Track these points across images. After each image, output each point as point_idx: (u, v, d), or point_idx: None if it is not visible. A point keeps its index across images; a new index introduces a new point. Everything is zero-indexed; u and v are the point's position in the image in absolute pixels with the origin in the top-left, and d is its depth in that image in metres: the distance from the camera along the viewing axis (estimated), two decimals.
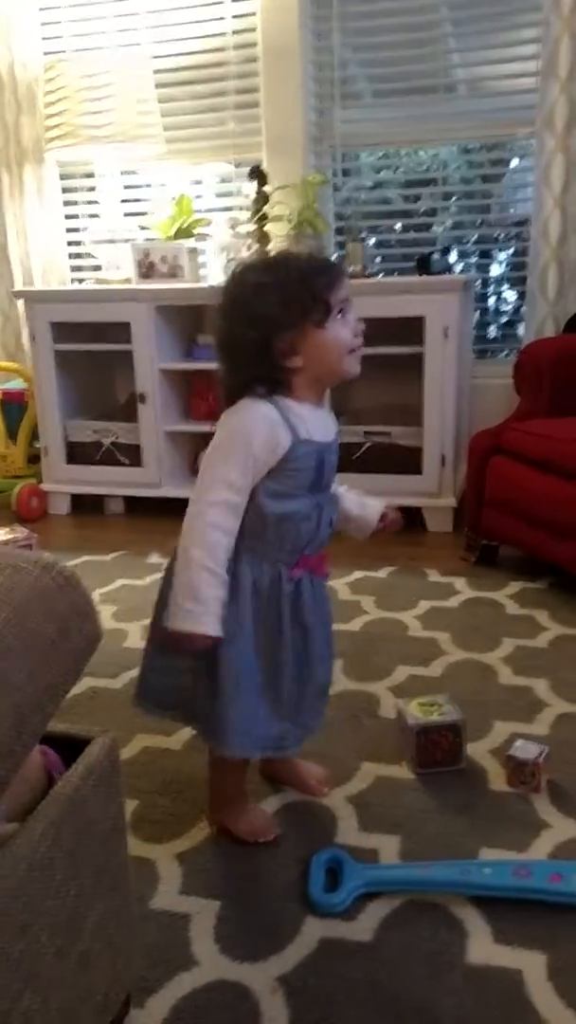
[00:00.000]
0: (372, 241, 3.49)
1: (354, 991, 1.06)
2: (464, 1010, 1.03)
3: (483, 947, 1.12)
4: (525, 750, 1.45)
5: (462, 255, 3.45)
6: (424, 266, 2.81)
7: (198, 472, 1.22)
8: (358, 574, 2.44)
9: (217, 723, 1.25)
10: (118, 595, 2.35)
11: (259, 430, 1.18)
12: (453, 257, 3.15)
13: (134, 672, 1.86)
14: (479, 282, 3.31)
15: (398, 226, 3.44)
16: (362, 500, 1.43)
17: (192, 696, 1.28)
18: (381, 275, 3.10)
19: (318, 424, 1.24)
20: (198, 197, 3.33)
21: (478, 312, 3.29)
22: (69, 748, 0.96)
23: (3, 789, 0.76)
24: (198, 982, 1.08)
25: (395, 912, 1.19)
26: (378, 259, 3.37)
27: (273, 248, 3.00)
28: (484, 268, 3.48)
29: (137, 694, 1.35)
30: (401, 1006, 1.04)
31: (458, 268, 3.19)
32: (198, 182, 3.38)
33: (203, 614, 1.17)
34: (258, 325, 1.17)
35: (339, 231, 3.32)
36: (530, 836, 1.33)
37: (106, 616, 2.21)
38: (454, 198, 3.32)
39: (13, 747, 0.73)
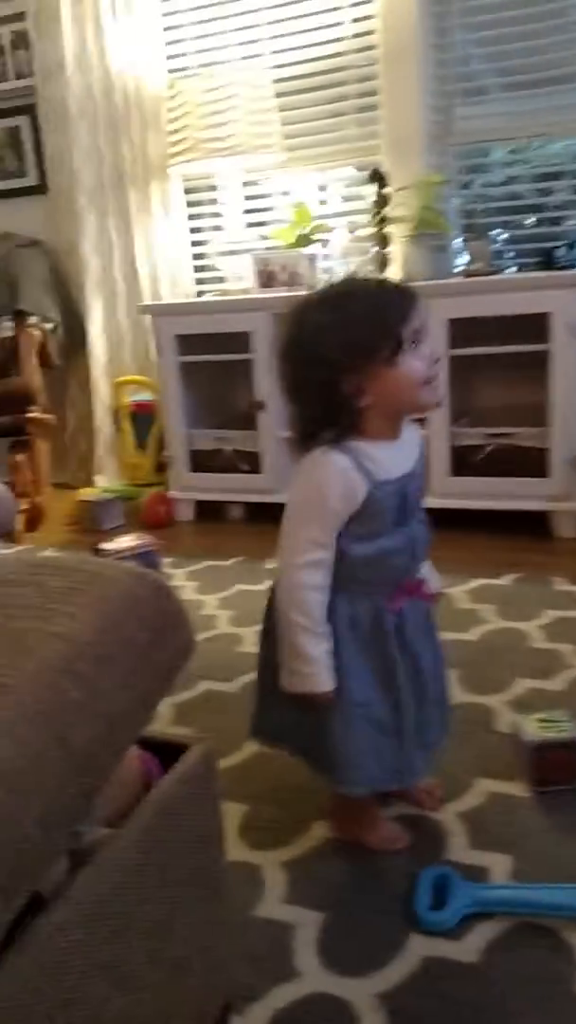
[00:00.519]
0: (504, 236, 3.40)
1: (457, 1014, 1.03)
2: None
3: None
4: None
5: None
6: (549, 261, 2.71)
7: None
8: (478, 582, 2.37)
9: (330, 761, 1.25)
10: (235, 600, 2.39)
11: (334, 486, 1.14)
12: None
13: (248, 676, 1.90)
14: None
15: (530, 221, 3.33)
16: (428, 570, 1.35)
17: (302, 732, 1.27)
18: (510, 270, 3.01)
19: (395, 460, 1.19)
20: (322, 203, 3.35)
21: None
22: (170, 754, 0.98)
23: (93, 797, 0.78)
24: (299, 993, 1.08)
25: (503, 934, 1.14)
26: (511, 254, 3.28)
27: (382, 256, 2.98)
28: None
29: (253, 726, 1.36)
30: None
31: None
32: (323, 188, 3.39)
33: (316, 674, 1.18)
34: (322, 369, 1.12)
35: (468, 228, 3.24)
36: None
37: (223, 621, 2.25)
38: None
39: (102, 756, 0.75)
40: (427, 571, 1.34)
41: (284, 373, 1.19)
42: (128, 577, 0.85)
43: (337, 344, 1.11)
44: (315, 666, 1.17)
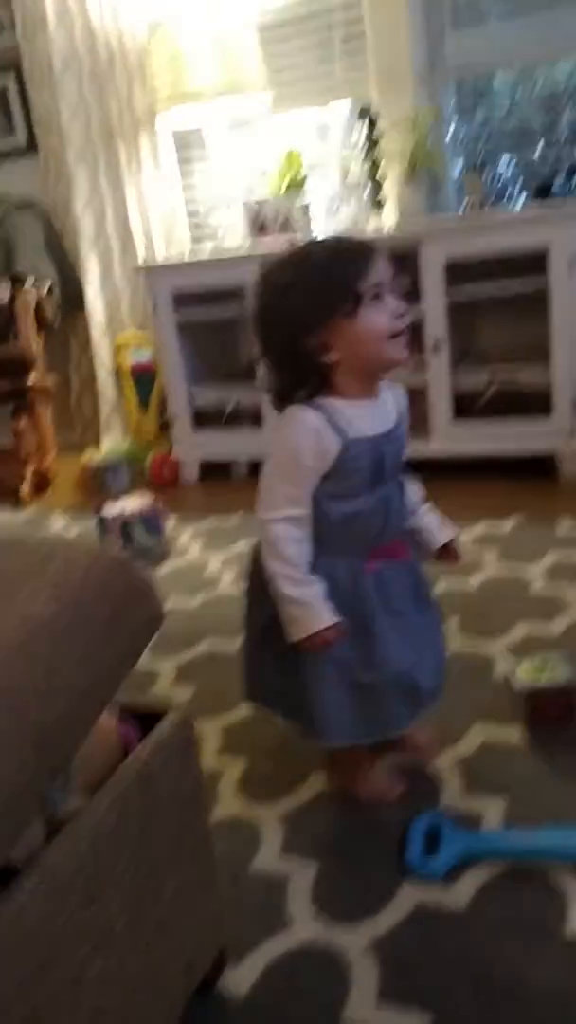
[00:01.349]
0: (510, 166, 3.29)
1: (445, 960, 1.05)
2: (557, 984, 1.00)
3: None
4: None
5: None
6: (544, 192, 2.63)
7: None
8: (480, 527, 2.36)
9: (309, 718, 1.27)
10: (239, 559, 2.39)
11: (306, 442, 1.16)
12: None
13: None
14: None
15: (537, 149, 3.22)
16: (433, 523, 1.35)
17: (289, 694, 1.29)
18: (517, 202, 2.91)
19: (371, 418, 1.20)
20: (325, 143, 3.26)
21: None
22: (151, 721, 0.99)
23: (62, 768, 0.80)
24: (292, 943, 1.11)
25: (494, 880, 1.16)
26: (518, 185, 3.18)
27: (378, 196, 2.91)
28: None
29: (245, 690, 1.39)
30: (492, 978, 1.02)
31: None
32: (326, 128, 3.29)
33: (313, 614, 1.19)
34: (286, 327, 1.15)
35: (468, 163, 3.14)
36: None
37: (226, 581, 2.27)
38: None
39: (64, 733, 0.76)
40: (432, 523, 1.34)
41: (257, 336, 1.21)
42: (86, 555, 0.86)
43: (298, 301, 1.13)
44: (308, 607, 1.18)
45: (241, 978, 1.07)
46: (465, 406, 2.77)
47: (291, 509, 1.18)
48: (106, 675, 0.83)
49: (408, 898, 1.15)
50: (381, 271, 1.14)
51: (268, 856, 1.26)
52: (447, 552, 1.35)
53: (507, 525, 2.37)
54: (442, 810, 1.30)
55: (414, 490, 1.33)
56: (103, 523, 2.47)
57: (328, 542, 1.21)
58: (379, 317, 1.15)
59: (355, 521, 1.21)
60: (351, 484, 1.19)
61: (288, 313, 1.14)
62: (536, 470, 2.71)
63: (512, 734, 1.46)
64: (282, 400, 1.22)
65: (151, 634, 0.91)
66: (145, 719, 0.99)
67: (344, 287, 1.12)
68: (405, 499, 1.28)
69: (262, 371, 1.25)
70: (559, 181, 2.66)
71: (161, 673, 1.83)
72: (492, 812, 1.29)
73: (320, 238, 1.24)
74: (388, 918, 1.13)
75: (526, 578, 2.04)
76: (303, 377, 1.19)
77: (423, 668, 1.30)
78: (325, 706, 1.24)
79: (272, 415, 2.97)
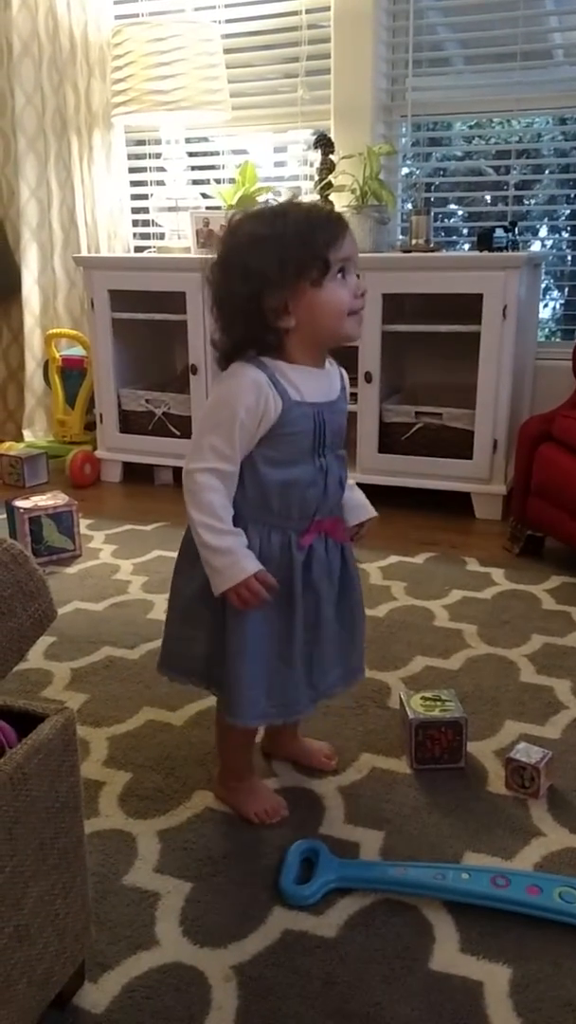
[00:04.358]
0: (459, 213, 3.39)
1: (307, 987, 1.04)
2: (415, 1017, 1.00)
3: (448, 955, 1.09)
4: (527, 753, 1.40)
5: (553, 230, 3.32)
6: (485, 241, 2.70)
7: None
8: (393, 559, 2.39)
9: (229, 691, 1.25)
10: (152, 566, 2.37)
11: (246, 397, 1.14)
12: (543, 231, 3.02)
13: (153, 644, 1.90)
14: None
15: (488, 198, 3.32)
16: (356, 499, 1.35)
17: (211, 663, 1.27)
18: (462, 247, 3.00)
19: (314, 385, 1.19)
20: (280, 165, 3.29)
21: (566, 290, 3.16)
22: (31, 724, 0.96)
23: None
24: (155, 963, 1.08)
25: (365, 910, 1.16)
26: (464, 231, 3.27)
27: None
28: None
29: (160, 661, 1.35)
30: (352, 1007, 1.02)
31: (548, 244, 3.06)
32: (283, 149, 3.33)
33: (234, 562, 1.15)
34: (251, 281, 1.12)
35: (414, 203, 3.22)
36: (519, 843, 1.28)
37: (135, 587, 2.23)
38: (547, 171, 3.18)
39: None
40: (357, 499, 1.33)
41: (214, 284, 1.18)
42: None
43: (268, 257, 1.11)
44: (229, 555, 1.15)
45: (99, 994, 1.04)
46: (391, 438, 2.81)
47: (218, 462, 1.16)
48: None
49: (278, 923, 1.14)
50: (348, 247, 1.14)
51: (142, 872, 1.24)
52: (358, 530, 1.34)
53: (418, 559, 2.40)
54: (320, 837, 1.30)
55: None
56: (12, 515, 2.41)
57: (264, 509, 1.20)
58: (342, 291, 1.14)
59: (293, 489, 1.19)
60: (290, 450, 1.18)
61: (254, 267, 1.11)
62: (456, 504, 2.76)
63: (399, 765, 1.47)
64: (227, 359, 1.19)
65: (38, 634, 0.88)
66: (24, 721, 0.96)
67: (315, 253, 1.11)
68: (344, 473, 1.27)
69: (213, 323, 1.20)
70: (501, 232, 2.73)
71: (55, 675, 1.79)
72: (370, 842, 1.29)
73: (297, 200, 1.23)
74: (255, 943, 1.11)
75: (430, 612, 2.07)
76: (254, 336, 1.16)
77: (329, 655, 1.30)
78: (242, 681, 1.22)
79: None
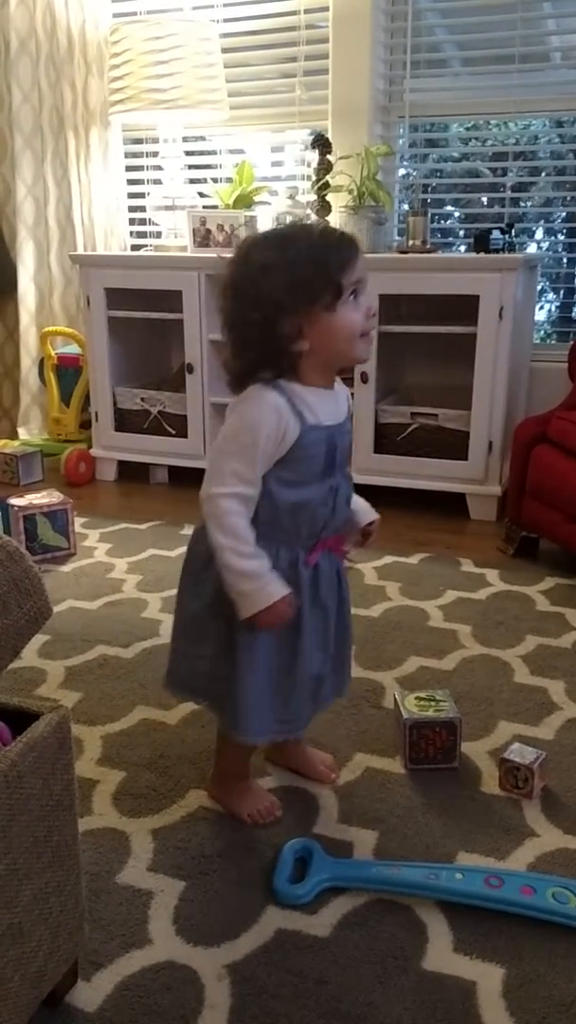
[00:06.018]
0: (456, 214, 3.39)
1: (300, 987, 1.04)
2: (407, 1017, 1.00)
3: (441, 954, 1.09)
4: (520, 753, 1.40)
5: (548, 232, 3.32)
6: (482, 243, 2.71)
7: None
8: (388, 559, 2.39)
9: (234, 709, 1.24)
10: (146, 565, 2.37)
11: (267, 421, 1.13)
12: (539, 234, 3.02)
13: (148, 643, 1.90)
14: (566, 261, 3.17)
15: (484, 199, 3.32)
16: (358, 503, 1.35)
17: (215, 682, 1.27)
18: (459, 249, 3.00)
19: (327, 408, 1.20)
20: (277, 165, 3.29)
21: (562, 292, 3.16)
22: (25, 721, 0.96)
23: None
24: (148, 961, 1.08)
25: (358, 910, 1.16)
26: (461, 232, 3.28)
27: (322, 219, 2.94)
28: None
29: (167, 678, 1.34)
30: (345, 1007, 1.02)
31: (544, 246, 3.07)
32: (280, 149, 3.33)
33: (262, 586, 1.15)
34: (263, 307, 1.12)
35: (411, 204, 3.21)
36: (513, 844, 1.29)
37: (130, 585, 2.23)
38: (543, 173, 3.18)
39: None
40: (361, 505, 1.34)
41: (225, 311, 1.17)
42: None
43: (280, 284, 1.11)
44: (258, 580, 1.15)
45: (92, 992, 1.04)
46: (387, 439, 2.81)
47: (240, 487, 1.15)
48: None
49: (271, 923, 1.14)
50: (360, 268, 1.14)
51: (135, 871, 1.24)
52: (367, 531, 1.35)
53: (413, 559, 2.40)
54: (314, 836, 1.30)
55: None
56: (6, 513, 2.40)
57: (274, 528, 1.19)
58: (355, 314, 1.14)
59: (304, 509, 1.19)
60: (304, 471, 1.18)
61: (268, 293, 1.10)
62: (452, 505, 2.77)
63: (393, 765, 1.47)
64: (240, 381, 1.19)
65: (33, 632, 0.88)
66: (18, 719, 0.96)
67: (328, 278, 1.11)
68: (351, 492, 1.28)
69: (225, 346, 1.19)
70: (498, 234, 2.74)
71: (50, 674, 1.78)
72: (364, 842, 1.29)
73: (306, 223, 1.22)
74: (248, 942, 1.11)
75: (425, 612, 2.07)
76: (268, 360, 1.16)
77: (328, 669, 1.30)
78: (250, 698, 1.22)
79: (195, 422, 2.99)
